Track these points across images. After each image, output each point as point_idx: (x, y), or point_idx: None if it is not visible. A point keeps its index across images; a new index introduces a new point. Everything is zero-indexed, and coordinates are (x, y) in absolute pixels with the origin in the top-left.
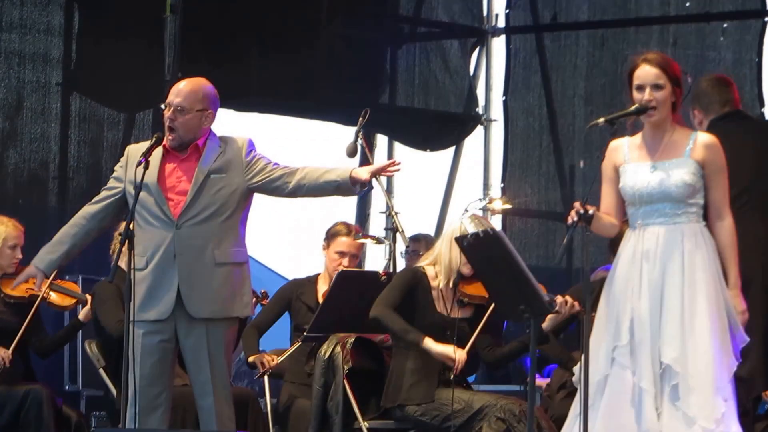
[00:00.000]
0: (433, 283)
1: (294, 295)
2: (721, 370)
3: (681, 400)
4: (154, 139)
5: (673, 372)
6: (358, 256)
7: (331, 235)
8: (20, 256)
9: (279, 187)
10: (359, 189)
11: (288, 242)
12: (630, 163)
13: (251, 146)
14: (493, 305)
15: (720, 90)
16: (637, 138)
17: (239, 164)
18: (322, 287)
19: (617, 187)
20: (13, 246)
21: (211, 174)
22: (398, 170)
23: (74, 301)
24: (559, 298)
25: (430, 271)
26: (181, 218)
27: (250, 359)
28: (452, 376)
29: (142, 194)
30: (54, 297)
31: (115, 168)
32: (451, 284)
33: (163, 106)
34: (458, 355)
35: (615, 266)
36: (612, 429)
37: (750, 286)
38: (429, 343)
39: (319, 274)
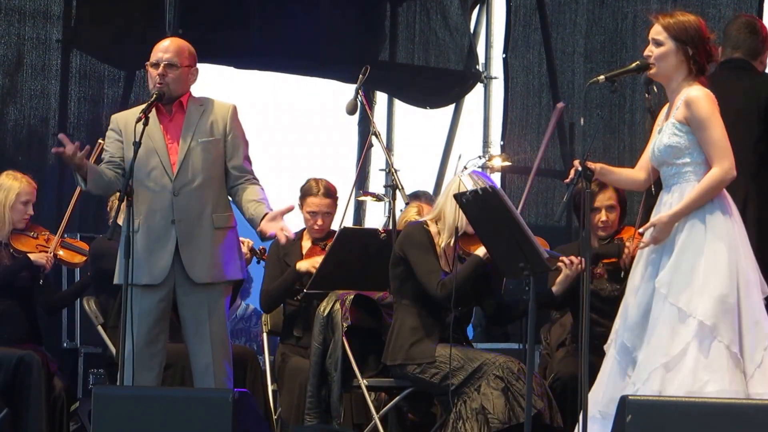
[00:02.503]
0: (437, 240)
1: (279, 255)
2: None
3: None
4: (154, 96)
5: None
6: (331, 213)
7: (302, 194)
8: (32, 213)
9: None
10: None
11: (285, 197)
12: (661, 124)
13: (237, 115)
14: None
15: (744, 34)
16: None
17: (224, 128)
18: (306, 244)
19: None
20: (26, 201)
21: (198, 138)
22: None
23: (84, 258)
24: (564, 260)
25: (433, 228)
26: (177, 184)
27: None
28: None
29: (144, 156)
30: (63, 254)
31: (109, 134)
32: (452, 242)
33: (150, 65)
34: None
35: None
36: (610, 391)
37: None
38: (484, 252)
39: (303, 230)
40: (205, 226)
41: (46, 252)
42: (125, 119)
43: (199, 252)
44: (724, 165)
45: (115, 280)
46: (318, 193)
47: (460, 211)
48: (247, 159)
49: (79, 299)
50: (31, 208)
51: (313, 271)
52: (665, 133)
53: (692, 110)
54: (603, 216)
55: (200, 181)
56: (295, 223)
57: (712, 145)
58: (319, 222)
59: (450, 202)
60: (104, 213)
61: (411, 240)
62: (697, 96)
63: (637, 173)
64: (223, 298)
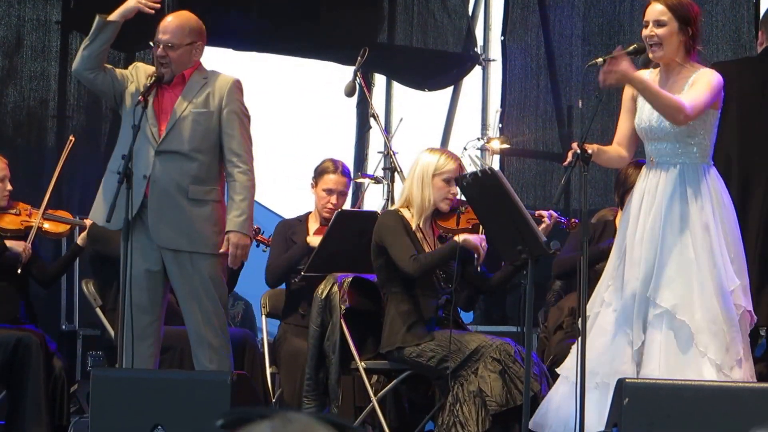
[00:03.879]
0: (413, 225)
1: (286, 235)
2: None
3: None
4: (153, 78)
5: (671, 315)
6: (346, 193)
7: (318, 173)
8: (10, 188)
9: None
10: None
11: (283, 179)
12: (642, 98)
13: (238, 90)
14: (480, 230)
15: None
16: (657, 73)
17: (220, 101)
18: (313, 226)
19: (633, 118)
20: (2, 178)
21: (192, 109)
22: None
23: (69, 227)
24: (542, 212)
25: (406, 214)
26: (161, 146)
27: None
28: (478, 268)
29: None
30: (48, 226)
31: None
32: (422, 223)
33: (152, 44)
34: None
35: (627, 203)
36: (595, 366)
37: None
38: (462, 239)
39: (309, 213)
40: (178, 196)
41: (30, 225)
42: (141, 74)
43: (165, 217)
44: (688, 107)
45: (90, 216)
46: (336, 171)
47: (429, 191)
48: (245, 138)
49: (77, 282)
50: (8, 184)
51: None
52: None
53: (700, 74)
54: None
55: (185, 152)
56: (303, 204)
57: (696, 92)
58: (333, 200)
59: (417, 185)
60: (90, 194)
61: (385, 226)
62: (711, 70)
63: (621, 150)
64: (211, 269)
